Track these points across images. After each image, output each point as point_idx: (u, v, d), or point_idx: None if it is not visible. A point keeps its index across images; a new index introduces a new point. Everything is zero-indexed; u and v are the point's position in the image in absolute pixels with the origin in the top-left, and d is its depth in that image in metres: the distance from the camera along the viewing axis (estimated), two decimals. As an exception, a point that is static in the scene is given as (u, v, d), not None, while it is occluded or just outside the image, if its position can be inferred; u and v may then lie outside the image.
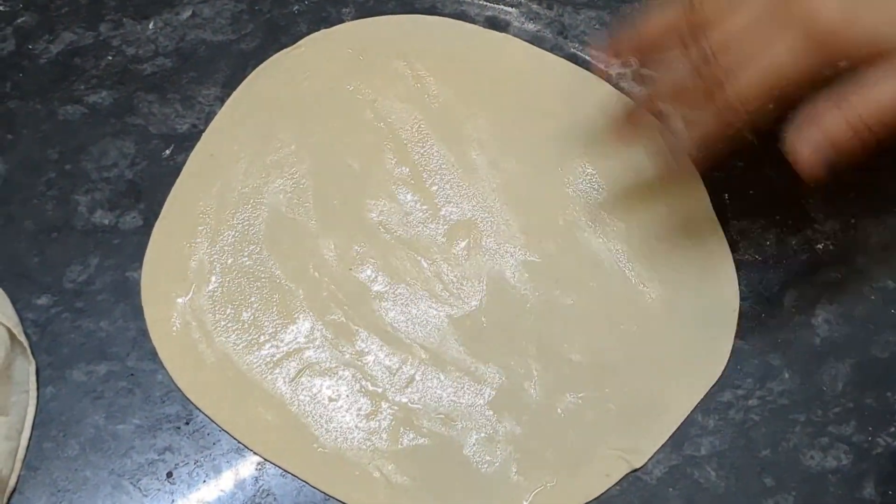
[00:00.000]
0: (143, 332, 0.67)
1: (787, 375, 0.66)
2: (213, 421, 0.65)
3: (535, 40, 0.76)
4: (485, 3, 0.78)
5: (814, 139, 0.58)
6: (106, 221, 0.70)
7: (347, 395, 0.65)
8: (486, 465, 0.64)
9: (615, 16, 0.77)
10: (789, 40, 0.58)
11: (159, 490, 0.63)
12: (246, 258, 0.69)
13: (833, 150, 0.58)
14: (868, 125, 0.57)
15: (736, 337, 0.67)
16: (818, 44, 0.58)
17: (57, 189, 0.71)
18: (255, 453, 0.64)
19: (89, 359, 0.66)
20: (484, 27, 0.77)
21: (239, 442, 0.64)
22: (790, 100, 0.60)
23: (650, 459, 0.64)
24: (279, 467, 0.64)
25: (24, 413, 0.64)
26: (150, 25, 0.76)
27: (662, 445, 0.64)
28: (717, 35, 0.60)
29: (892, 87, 0.57)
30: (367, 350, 0.66)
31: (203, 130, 0.73)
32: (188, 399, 0.65)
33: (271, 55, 0.76)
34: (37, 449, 0.64)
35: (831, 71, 0.59)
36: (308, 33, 0.76)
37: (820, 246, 0.70)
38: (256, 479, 0.63)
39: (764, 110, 0.61)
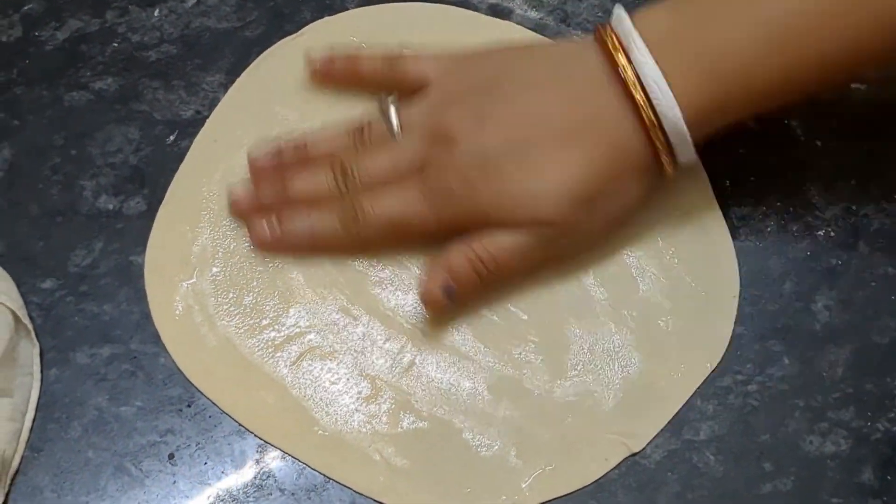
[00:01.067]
0: (147, 316, 0.67)
1: (786, 361, 0.66)
2: (214, 404, 0.65)
3: (538, 28, 0.77)
4: (488, -10, 0.78)
5: (440, 274, 0.65)
6: (110, 206, 0.71)
7: (347, 379, 0.66)
8: (485, 449, 0.64)
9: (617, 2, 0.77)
10: (417, 193, 0.66)
11: (161, 471, 0.63)
12: (248, 243, 0.69)
13: (454, 279, 0.65)
14: (483, 262, 0.65)
15: (736, 323, 0.67)
16: (437, 205, 0.66)
17: (62, 174, 0.71)
18: (256, 436, 0.64)
19: (93, 342, 0.67)
20: (486, 15, 0.77)
21: (240, 425, 0.65)
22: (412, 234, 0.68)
23: (649, 444, 0.64)
24: (280, 450, 0.64)
25: (28, 395, 0.64)
26: (156, 13, 0.77)
27: (661, 430, 0.65)
28: (366, 162, 0.68)
29: (504, 238, 0.65)
30: (367, 334, 0.67)
31: (207, 117, 0.73)
32: (190, 382, 0.66)
33: (275, 42, 0.76)
34: (40, 430, 0.64)
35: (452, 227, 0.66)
36: (312, 21, 0.77)
37: (821, 232, 0.70)
38: (257, 462, 0.64)
39: (381, 236, 0.68)
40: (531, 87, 0.67)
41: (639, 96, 0.63)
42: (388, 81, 0.71)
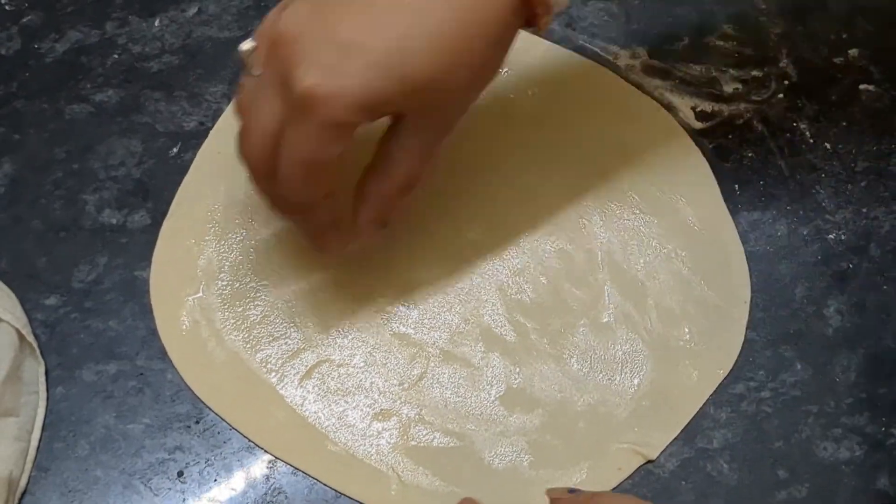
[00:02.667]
0: (153, 332, 0.67)
1: (799, 367, 0.66)
2: (223, 420, 0.65)
3: (544, 34, 0.76)
4: (492, -5, 0.77)
5: (372, 207, 0.61)
6: (114, 220, 0.70)
7: (358, 393, 0.65)
8: (498, 461, 0.64)
9: (623, 6, 0.76)
10: (286, 111, 0.57)
11: (170, 489, 0.63)
12: (254, 256, 0.69)
13: (386, 207, 0.61)
14: (398, 185, 0.60)
15: (748, 329, 0.67)
16: (306, 112, 0.56)
17: (64, 188, 0.71)
18: (265, 451, 0.64)
19: (99, 358, 0.66)
20: (491, 20, 0.77)
21: (249, 440, 0.64)
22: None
23: (662, 453, 0.64)
24: (290, 465, 0.64)
25: (34, 414, 0.64)
26: (157, 23, 0.76)
27: (674, 438, 0.64)
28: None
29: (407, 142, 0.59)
30: (377, 346, 0.66)
31: (210, 128, 0.73)
32: (198, 398, 0.65)
33: (278, 51, 0.75)
34: (47, 449, 0.64)
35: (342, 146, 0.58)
36: (314, 28, 0.76)
37: (831, 236, 0.69)
38: (267, 478, 0.63)
39: (316, 193, 0.60)
40: None
41: None
42: None
